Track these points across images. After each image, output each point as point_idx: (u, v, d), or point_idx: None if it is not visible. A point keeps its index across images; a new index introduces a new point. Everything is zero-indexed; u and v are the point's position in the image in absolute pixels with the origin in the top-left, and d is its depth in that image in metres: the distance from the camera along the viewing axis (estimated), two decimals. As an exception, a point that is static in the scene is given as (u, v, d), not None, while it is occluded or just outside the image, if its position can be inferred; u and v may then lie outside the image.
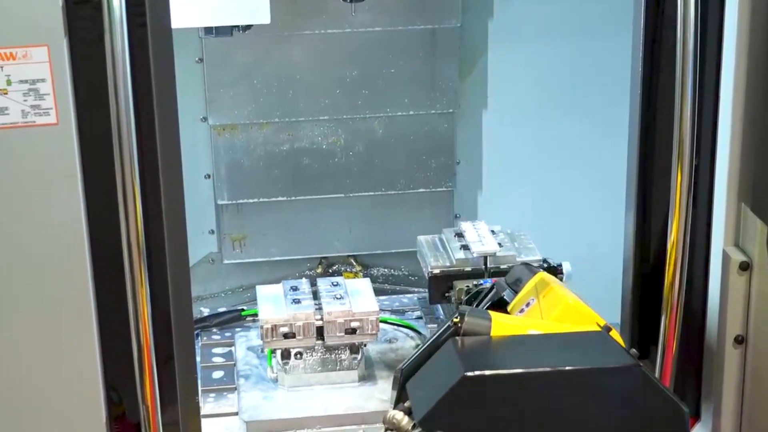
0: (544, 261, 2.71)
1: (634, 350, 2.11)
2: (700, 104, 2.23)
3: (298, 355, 2.51)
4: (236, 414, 2.45)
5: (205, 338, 2.74)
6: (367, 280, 2.66)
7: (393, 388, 2.18)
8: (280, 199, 3.04)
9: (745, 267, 2.29)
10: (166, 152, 2.10)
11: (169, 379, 2.21)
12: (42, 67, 2.02)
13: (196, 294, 2.98)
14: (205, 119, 2.98)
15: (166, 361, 2.19)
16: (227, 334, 2.76)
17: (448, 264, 2.56)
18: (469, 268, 2.54)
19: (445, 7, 2.94)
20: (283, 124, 3.00)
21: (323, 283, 2.61)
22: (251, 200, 3.03)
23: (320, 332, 2.49)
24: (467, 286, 2.53)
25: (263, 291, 2.60)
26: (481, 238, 2.59)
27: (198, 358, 2.58)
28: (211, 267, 3.12)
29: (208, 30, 2.70)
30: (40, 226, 2.08)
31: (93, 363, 2.17)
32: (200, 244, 3.07)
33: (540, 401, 2.04)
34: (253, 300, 2.67)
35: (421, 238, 2.69)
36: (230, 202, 3.03)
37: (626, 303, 2.47)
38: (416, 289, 2.92)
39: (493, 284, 2.37)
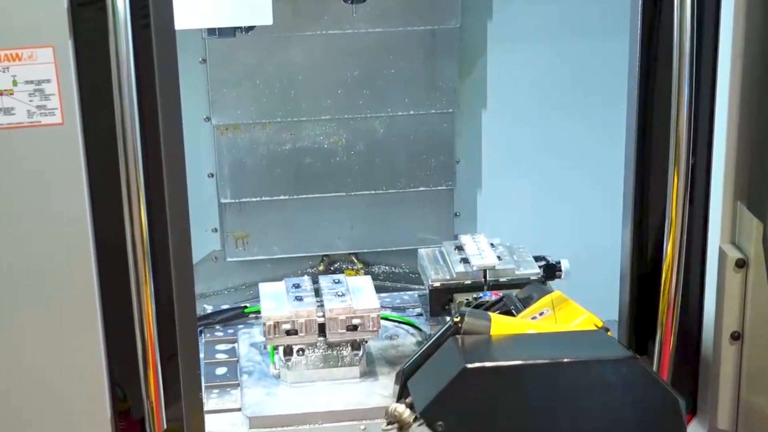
0: (543, 259, 2.73)
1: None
2: (696, 103, 2.24)
3: (300, 352, 2.52)
4: (239, 410, 2.46)
5: (208, 335, 2.74)
6: (369, 278, 2.67)
7: (396, 383, 2.20)
8: (282, 197, 3.05)
9: (741, 264, 2.30)
10: (170, 151, 2.12)
11: (173, 376, 2.22)
12: (47, 68, 2.03)
13: (200, 291, 2.99)
14: (208, 119, 2.99)
15: (170, 357, 2.21)
16: (230, 331, 2.76)
17: (448, 277, 2.59)
18: (468, 281, 2.57)
19: (444, 8, 2.95)
20: (286, 124, 3.01)
21: (325, 281, 2.62)
22: (254, 199, 3.04)
23: (322, 329, 2.50)
24: (467, 299, 2.55)
25: (266, 288, 2.61)
26: (480, 252, 2.61)
27: (201, 355, 2.60)
28: (215, 265, 3.12)
29: (211, 31, 2.71)
30: (45, 224, 2.10)
31: (98, 360, 2.18)
32: (203, 242, 3.07)
33: (540, 393, 2.07)
34: (256, 297, 2.67)
35: (422, 251, 2.71)
36: (233, 200, 3.04)
37: (624, 300, 2.48)
38: (417, 287, 2.93)
39: (501, 297, 2.39)
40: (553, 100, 3.04)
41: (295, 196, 3.05)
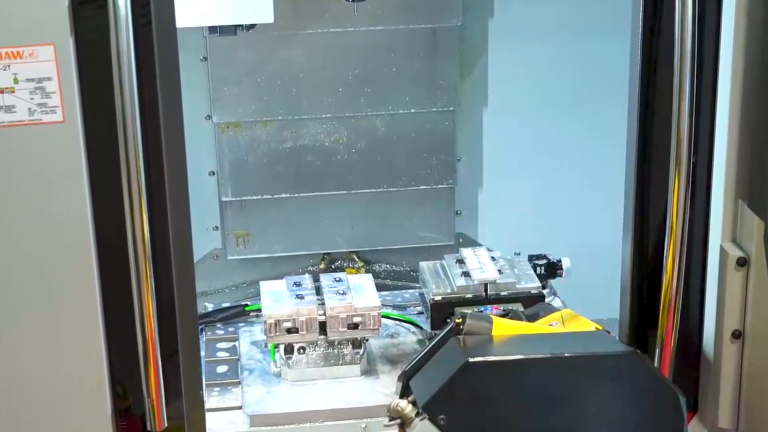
0: (544, 257, 2.74)
1: None
2: (697, 102, 2.24)
3: (301, 350, 2.53)
4: (240, 408, 2.46)
5: (209, 333, 2.75)
6: (369, 276, 2.68)
7: (398, 380, 2.21)
8: (283, 196, 3.05)
9: (742, 263, 2.31)
10: (171, 150, 2.12)
11: (174, 374, 2.22)
12: (48, 66, 2.03)
13: (201, 289, 2.99)
14: (209, 117, 2.99)
15: (171, 355, 2.21)
16: (231, 329, 2.77)
17: (449, 291, 2.58)
18: (470, 295, 2.57)
19: (445, 7, 2.95)
20: (287, 122, 3.01)
21: (326, 279, 2.63)
22: (255, 197, 3.04)
23: (323, 327, 2.50)
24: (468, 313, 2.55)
25: (267, 287, 2.62)
26: (481, 265, 2.61)
27: (202, 353, 2.60)
28: (216, 263, 3.12)
29: (212, 29, 2.71)
30: (46, 222, 2.10)
31: (99, 358, 2.19)
32: (204, 240, 3.07)
33: (541, 387, 2.07)
34: (257, 295, 2.68)
35: (423, 264, 2.72)
36: (234, 198, 3.04)
37: (625, 299, 2.47)
38: (417, 285, 2.93)
39: (508, 312, 2.39)
40: (554, 98, 3.05)
41: (296, 195, 3.05)
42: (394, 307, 2.84)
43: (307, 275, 2.67)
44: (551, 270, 2.73)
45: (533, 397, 2.08)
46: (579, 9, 2.98)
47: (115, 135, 2.04)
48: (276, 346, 2.55)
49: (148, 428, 2.22)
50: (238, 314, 2.81)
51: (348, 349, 2.54)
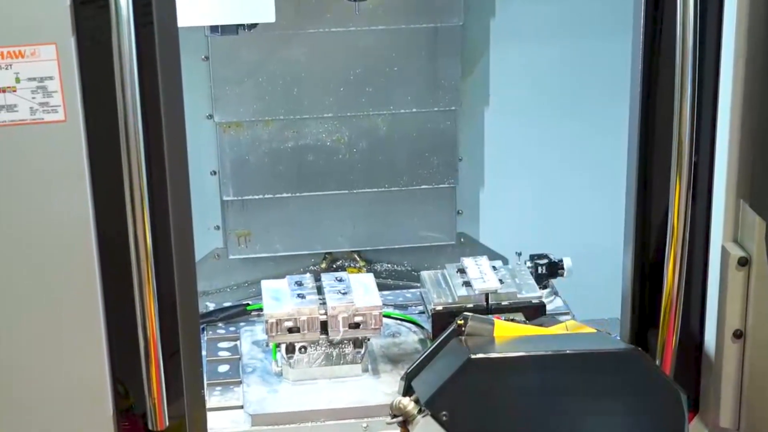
0: (546, 257, 2.74)
1: None
2: (699, 102, 2.24)
3: (303, 350, 2.53)
4: (241, 407, 2.46)
5: (210, 332, 2.75)
6: (371, 276, 2.68)
7: (401, 380, 2.21)
8: (284, 195, 3.05)
9: (743, 262, 2.31)
10: (173, 149, 2.12)
11: (175, 373, 2.22)
12: (50, 65, 2.03)
13: (202, 289, 2.99)
14: (210, 116, 2.99)
15: (172, 355, 2.21)
16: (232, 329, 2.77)
17: (450, 300, 2.59)
18: (471, 305, 2.57)
19: (447, 6, 2.95)
20: (288, 122, 3.01)
21: (327, 279, 2.63)
22: (256, 196, 3.04)
23: (324, 327, 2.51)
24: None
25: (268, 286, 2.62)
26: (482, 275, 2.62)
27: (204, 352, 2.61)
28: (217, 262, 3.13)
29: (214, 29, 2.71)
30: (47, 221, 2.10)
31: (100, 357, 2.19)
32: (206, 239, 3.07)
33: (543, 385, 2.08)
34: (258, 295, 2.68)
35: (424, 273, 2.72)
36: (235, 198, 3.04)
37: (626, 298, 2.47)
38: (419, 285, 2.94)
39: (512, 320, 2.40)
40: (555, 98, 3.05)
41: (298, 194, 3.05)
42: (396, 306, 2.84)
43: (308, 275, 2.68)
44: (552, 269, 2.74)
45: (535, 394, 2.08)
46: (580, 9, 2.98)
47: (117, 134, 2.04)
48: (277, 346, 2.55)
49: (150, 428, 2.22)
50: (240, 314, 2.81)
51: (349, 349, 2.54)
